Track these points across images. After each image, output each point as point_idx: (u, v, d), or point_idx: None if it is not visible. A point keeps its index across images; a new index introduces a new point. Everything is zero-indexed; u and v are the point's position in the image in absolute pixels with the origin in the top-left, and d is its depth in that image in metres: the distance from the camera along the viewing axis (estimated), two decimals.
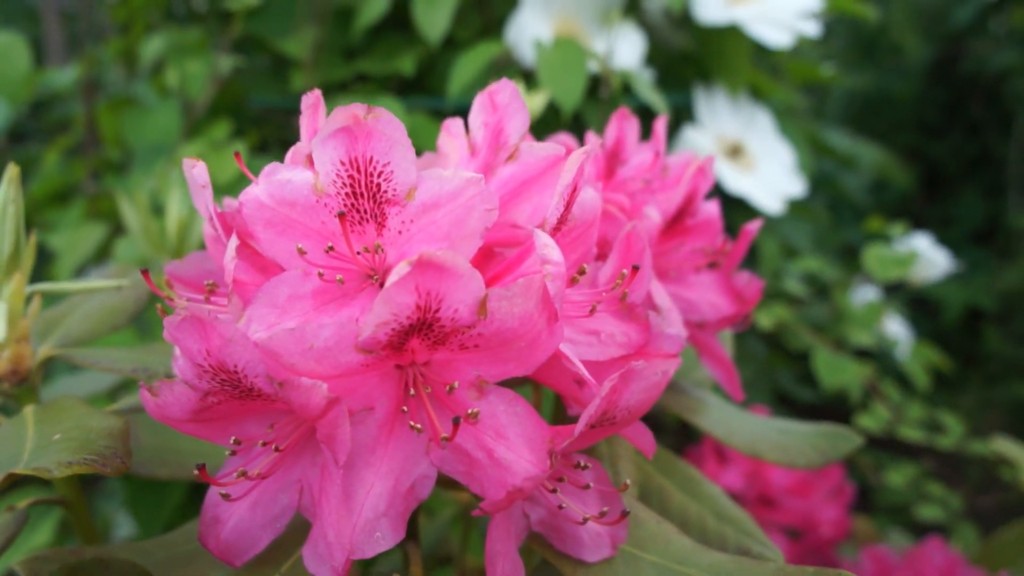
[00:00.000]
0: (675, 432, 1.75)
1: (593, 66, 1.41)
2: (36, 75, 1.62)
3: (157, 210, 1.29)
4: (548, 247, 0.45)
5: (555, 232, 0.49)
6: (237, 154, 0.53)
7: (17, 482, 0.46)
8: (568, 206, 0.50)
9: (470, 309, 0.43)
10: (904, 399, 1.91)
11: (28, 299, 0.63)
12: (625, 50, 1.50)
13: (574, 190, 0.50)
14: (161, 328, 0.44)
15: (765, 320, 1.79)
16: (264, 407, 0.48)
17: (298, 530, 0.51)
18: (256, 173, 0.48)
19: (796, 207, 2.01)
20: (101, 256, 1.42)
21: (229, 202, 0.58)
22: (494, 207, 0.46)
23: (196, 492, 1.25)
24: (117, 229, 1.39)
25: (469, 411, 0.45)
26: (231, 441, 0.48)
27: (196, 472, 0.45)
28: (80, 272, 1.40)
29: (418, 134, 1.37)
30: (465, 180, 0.46)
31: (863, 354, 2.12)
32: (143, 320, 1.29)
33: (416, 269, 0.40)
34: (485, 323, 0.43)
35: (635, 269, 0.52)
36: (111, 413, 0.53)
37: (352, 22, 1.53)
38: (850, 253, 3.13)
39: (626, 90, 1.46)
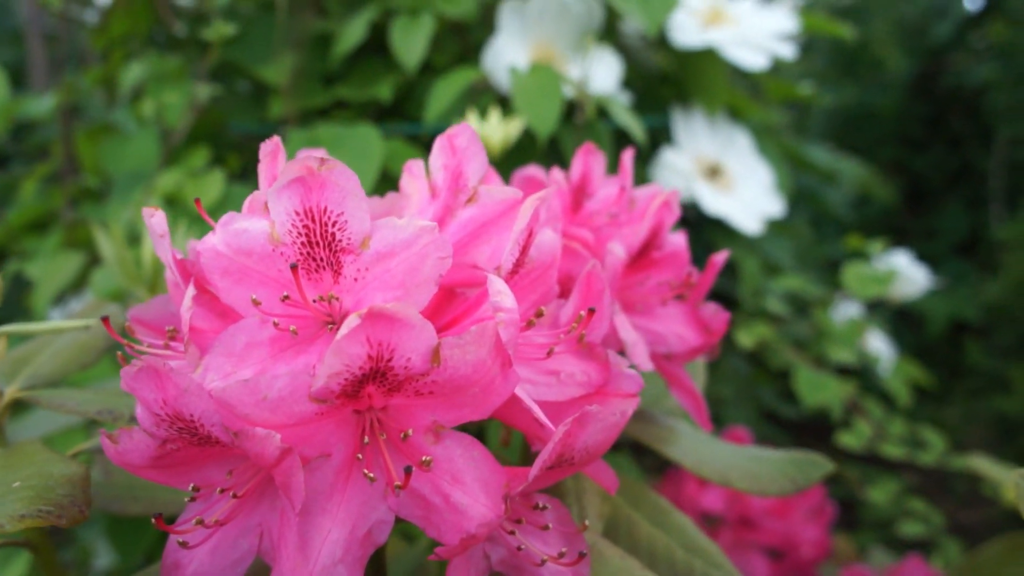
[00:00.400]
0: (655, 454, 1.75)
1: (569, 91, 1.42)
2: (14, 104, 1.62)
3: (134, 239, 1.29)
4: (501, 294, 0.46)
5: (512, 276, 0.50)
6: (198, 200, 0.54)
7: None
8: (524, 250, 0.51)
9: (423, 358, 0.43)
10: (886, 415, 1.92)
11: None
12: (601, 74, 1.51)
13: (529, 235, 0.51)
14: None
15: (747, 339, 1.80)
16: (223, 453, 0.48)
17: (259, 573, 0.52)
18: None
19: (777, 224, 2.02)
20: (79, 285, 1.42)
21: (193, 245, 0.58)
22: (448, 255, 0.47)
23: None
24: (95, 258, 1.39)
25: (423, 459, 0.45)
26: (190, 488, 0.48)
27: (153, 521, 0.45)
28: (58, 301, 1.40)
29: (395, 159, 1.37)
30: (419, 228, 0.46)
31: (845, 371, 2.13)
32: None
33: (366, 321, 0.41)
34: (439, 371, 0.44)
35: (591, 312, 0.52)
36: (72, 459, 0.53)
37: (330, 49, 1.54)
38: (833, 268, 3.15)
39: (603, 114, 1.47)
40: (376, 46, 1.60)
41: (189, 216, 1.30)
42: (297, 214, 0.46)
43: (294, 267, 0.46)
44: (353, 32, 1.46)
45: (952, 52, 4.45)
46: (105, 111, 1.92)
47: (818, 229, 3.49)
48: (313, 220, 0.46)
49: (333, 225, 0.46)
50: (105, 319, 0.52)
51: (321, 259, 0.47)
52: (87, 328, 0.73)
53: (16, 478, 0.50)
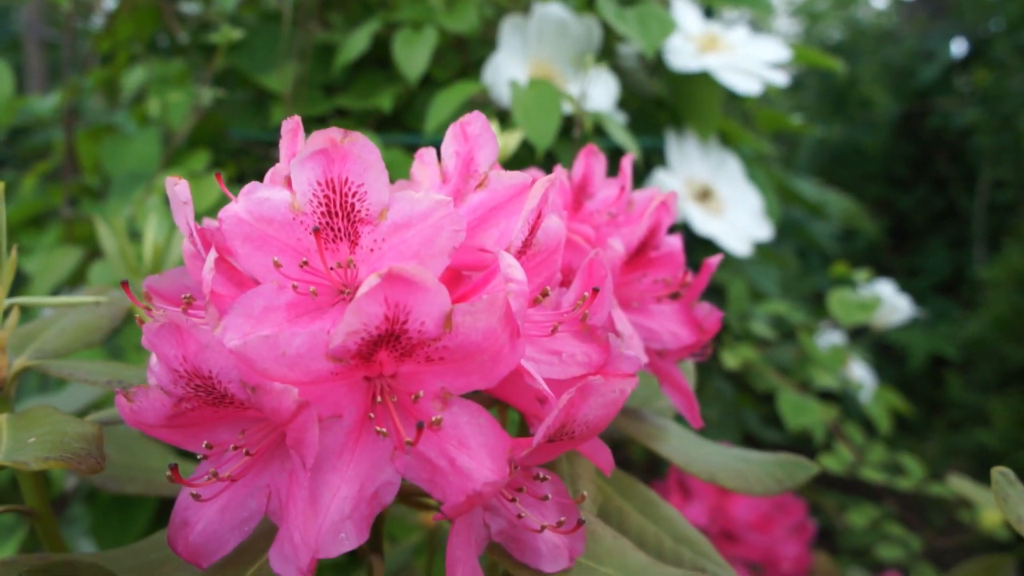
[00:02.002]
0: (641, 468, 1.77)
1: (567, 107, 1.45)
2: (17, 101, 1.64)
3: (133, 236, 1.30)
4: (512, 267, 0.48)
5: (520, 255, 0.52)
6: (218, 175, 0.55)
7: None
8: (532, 231, 0.53)
9: (436, 322, 0.45)
10: (867, 442, 1.95)
11: (6, 312, 0.65)
12: (598, 93, 1.55)
13: (538, 216, 0.53)
14: (133, 351, 0.46)
15: (732, 360, 1.83)
16: (236, 414, 0.50)
17: (264, 536, 0.53)
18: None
19: (764, 252, 2.05)
20: (76, 281, 1.43)
21: (208, 222, 0.60)
22: (461, 228, 0.49)
23: (161, 518, 1.25)
24: (92, 254, 1.40)
25: (433, 418, 0.47)
26: (203, 445, 0.49)
27: (169, 473, 0.47)
28: (54, 295, 1.40)
29: (394, 168, 1.39)
30: (435, 202, 0.48)
31: (828, 396, 2.16)
32: (114, 345, 1.30)
33: (385, 282, 0.43)
34: (450, 336, 0.46)
35: (595, 291, 0.54)
36: (85, 420, 0.55)
37: (333, 59, 1.57)
38: (818, 300, 3.19)
39: (598, 131, 1.50)
40: (377, 59, 1.63)
41: None
42: (319, 184, 0.48)
43: (316, 230, 0.47)
44: (356, 43, 1.49)
45: (938, 95, 4.54)
46: (103, 115, 1.94)
47: (804, 261, 3.53)
48: (334, 191, 0.48)
49: (353, 196, 0.48)
50: (124, 283, 0.54)
51: (339, 229, 0.49)
52: (95, 306, 0.74)
53: (31, 435, 0.51)
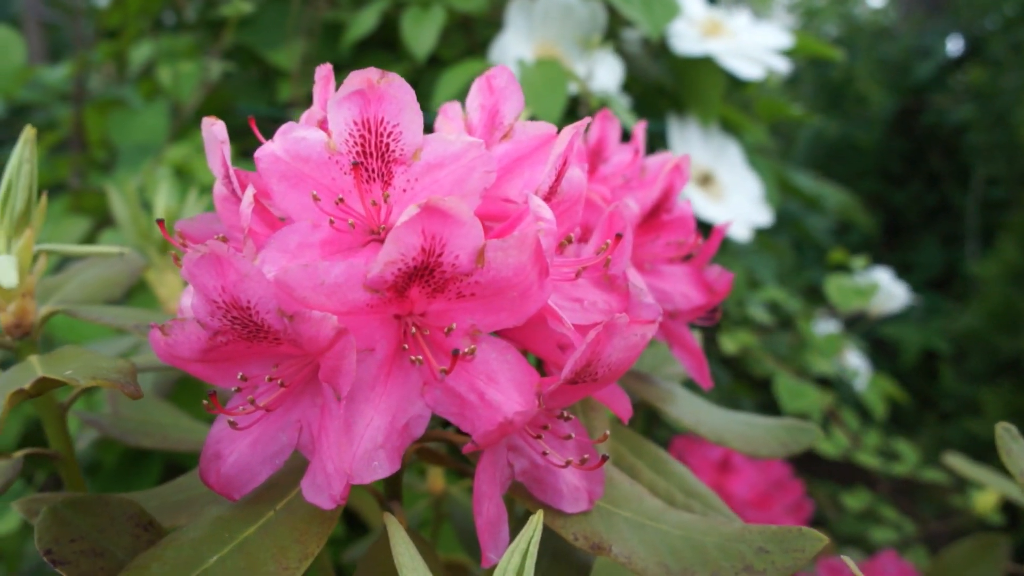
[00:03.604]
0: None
1: (572, 88, 1.46)
2: (28, 70, 1.64)
3: (143, 207, 1.31)
4: (541, 207, 0.49)
5: (546, 199, 0.53)
6: (251, 118, 0.57)
7: None
8: (559, 176, 0.54)
9: (469, 256, 0.46)
10: (862, 428, 1.97)
11: (34, 258, 0.66)
12: (603, 74, 1.56)
13: (565, 162, 0.54)
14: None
15: (730, 344, 1.85)
16: (269, 349, 0.51)
17: (292, 472, 0.54)
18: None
19: (762, 240, 2.07)
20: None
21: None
22: (493, 169, 0.50)
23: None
24: (100, 224, 1.41)
25: (468, 348, 0.48)
26: (238, 377, 0.51)
27: (206, 402, 0.48)
28: (60, 267, 1.41)
29: None
30: (467, 143, 0.50)
31: (824, 383, 2.18)
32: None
33: (423, 213, 0.44)
34: (482, 271, 0.47)
35: (618, 237, 0.56)
36: (116, 358, 0.56)
37: (340, 37, 1.58)
38: (813, 293, 3.22)
39: None
40: (382, 40, 1.64)
41: (198, 187, 1.32)
42: (355, 123, 0.49)
43: (356, 164, 0.49)
44: (365, 20, 1.50)
45: (933, 92, 4.57)
46: (107, 91, 1.94)
47: (799, 255, 3.56)
48: (369, 131, 0.49)
49: (388, 136, 0.49)
50: (160, 221, 0.55)
51: (373, 170, 0.50)
52: (121, 256, 0.75)
53: (66, 368, 0.52)
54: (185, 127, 1.50)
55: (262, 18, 1.60)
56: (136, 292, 1.21)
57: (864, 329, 2.77)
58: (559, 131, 0.56)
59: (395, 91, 0.49)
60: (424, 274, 0.47)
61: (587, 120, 0.57)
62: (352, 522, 1.33)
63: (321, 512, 0.51)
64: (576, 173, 0.59)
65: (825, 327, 2.24)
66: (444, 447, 0.88)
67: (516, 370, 0.50)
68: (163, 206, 1.11)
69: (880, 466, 1.85)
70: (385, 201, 0.50)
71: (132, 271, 0.82)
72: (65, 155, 1.67)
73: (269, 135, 0.55)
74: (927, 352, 3.62)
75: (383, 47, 1.67)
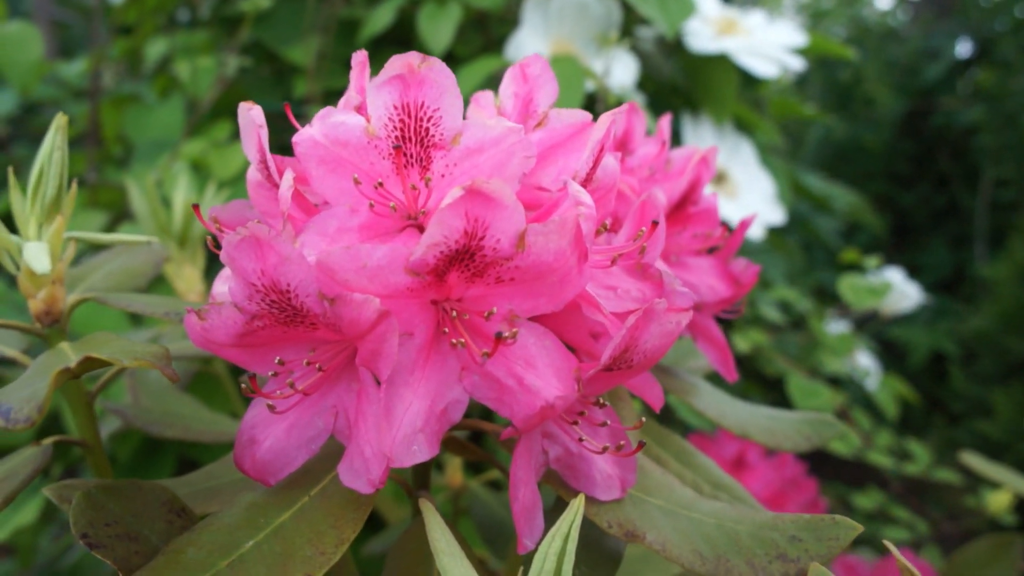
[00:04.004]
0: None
1: (589, 85, 1.46)
2: (45, 65, 1.65)
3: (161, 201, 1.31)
4: (581, 192, 0.49)
5: (583, 186, 0.53)
6: (287, 104, 0.57)
7: None
8: (596, 163, 0.54)
9: (511, 240, 0.46)
10: (874, 427, 1.97)
11: (64, 245, 0.66)
12: (619, 72, 1.56)
13: (602, 148, 0.54)
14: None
15: (743, 343, 1.84)
16: (305, 335, 0.51)
17: (326, 459, 0.54)
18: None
19: (774, 239, 2.07)
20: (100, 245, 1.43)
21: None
22: (532, 154, 0.50)
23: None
24: (117, 218, 1.41)
25: (510, 331, 0.48)
26: (275, 362, 0.50)
27: (244, 385, 0.48)
28: (78, 261, 1.41)
29: None
30: (507, 128, 0.50)
31: (835, 383, 2.18)
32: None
33: (467, 195, 0.44)
34: (522, 256, 0.47)
35: (654, 224, 0.56)
36: (148, 343, 0.56)
37: (355, 34, 1.58)
38: (822, 295, 3.21)
39: None
40: (397, 38, 1.64)
41: (216, 181, 1.32)
42: (395, 108, 0.49)
43: (397, 147, 0.49)
44: (381, 17, 1.50)
45: (941, 94, 4.56)
46: (121, 88, 1.94)
47: (809, 256, 3.56)
48: (409, 115, 0.49)
49: (428, 120, 0.49)
50: (195, 206, 0.55)
51: (411, 155, 0.50)
52: (148, 245, 0.75)
53: (100, 353, 0.52)
54: (201, 123, 1.51)
55: (278, 14, 1.61)
56: (154, 286, 1.21)
57: (874, 331, 2.77)
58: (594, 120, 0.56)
59: (436, 75, 0.49)
60: (465, 258, 0.47)
61: (622, 108, 0.57)
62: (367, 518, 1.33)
63: (356, 498, 0.51)
64: (610, 161, 0.59)
65: (836, 327, 2.24)
66: (467, 436, 0.88)
67: (555, 355, 0.50)
68: (182, 200, 1.11)
69: (893, 466, 1.85)
70: (426, 185, 0.50)
71: (156, 262, 0.82)
72: (81, 150, 1.67)
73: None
74: (935, 354, 3.61)
75: (398, 44, 1.67)
